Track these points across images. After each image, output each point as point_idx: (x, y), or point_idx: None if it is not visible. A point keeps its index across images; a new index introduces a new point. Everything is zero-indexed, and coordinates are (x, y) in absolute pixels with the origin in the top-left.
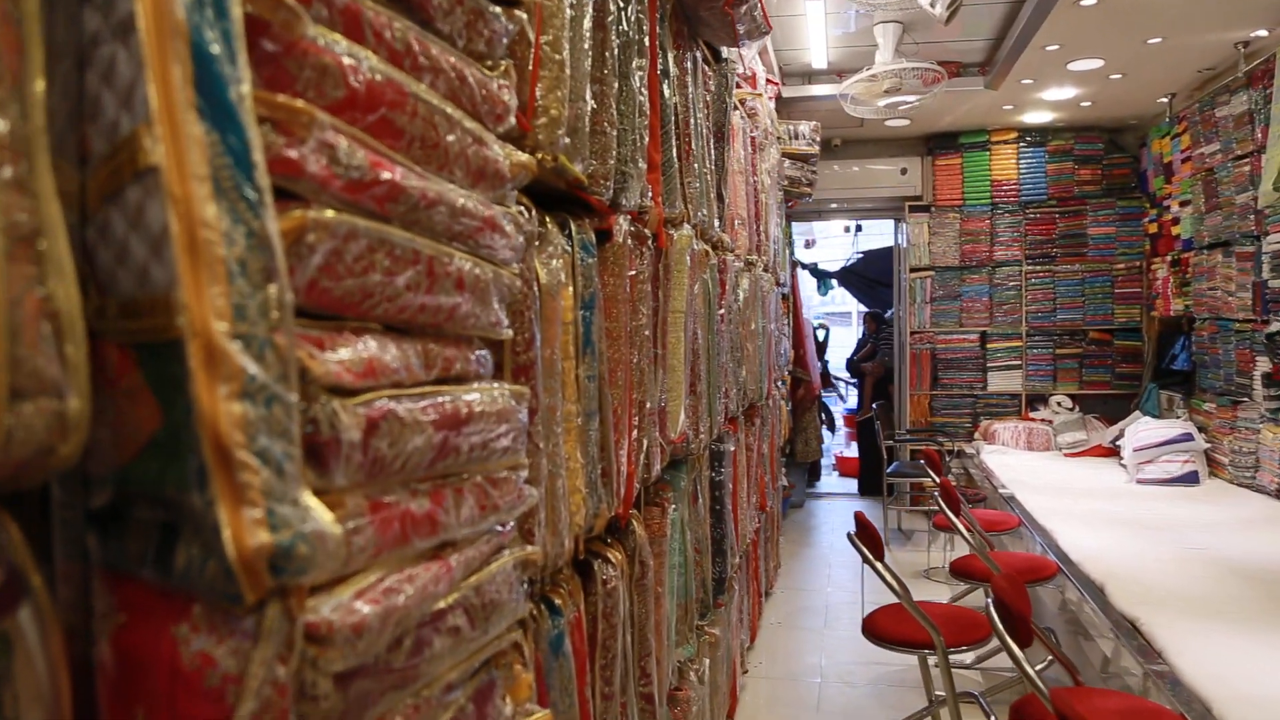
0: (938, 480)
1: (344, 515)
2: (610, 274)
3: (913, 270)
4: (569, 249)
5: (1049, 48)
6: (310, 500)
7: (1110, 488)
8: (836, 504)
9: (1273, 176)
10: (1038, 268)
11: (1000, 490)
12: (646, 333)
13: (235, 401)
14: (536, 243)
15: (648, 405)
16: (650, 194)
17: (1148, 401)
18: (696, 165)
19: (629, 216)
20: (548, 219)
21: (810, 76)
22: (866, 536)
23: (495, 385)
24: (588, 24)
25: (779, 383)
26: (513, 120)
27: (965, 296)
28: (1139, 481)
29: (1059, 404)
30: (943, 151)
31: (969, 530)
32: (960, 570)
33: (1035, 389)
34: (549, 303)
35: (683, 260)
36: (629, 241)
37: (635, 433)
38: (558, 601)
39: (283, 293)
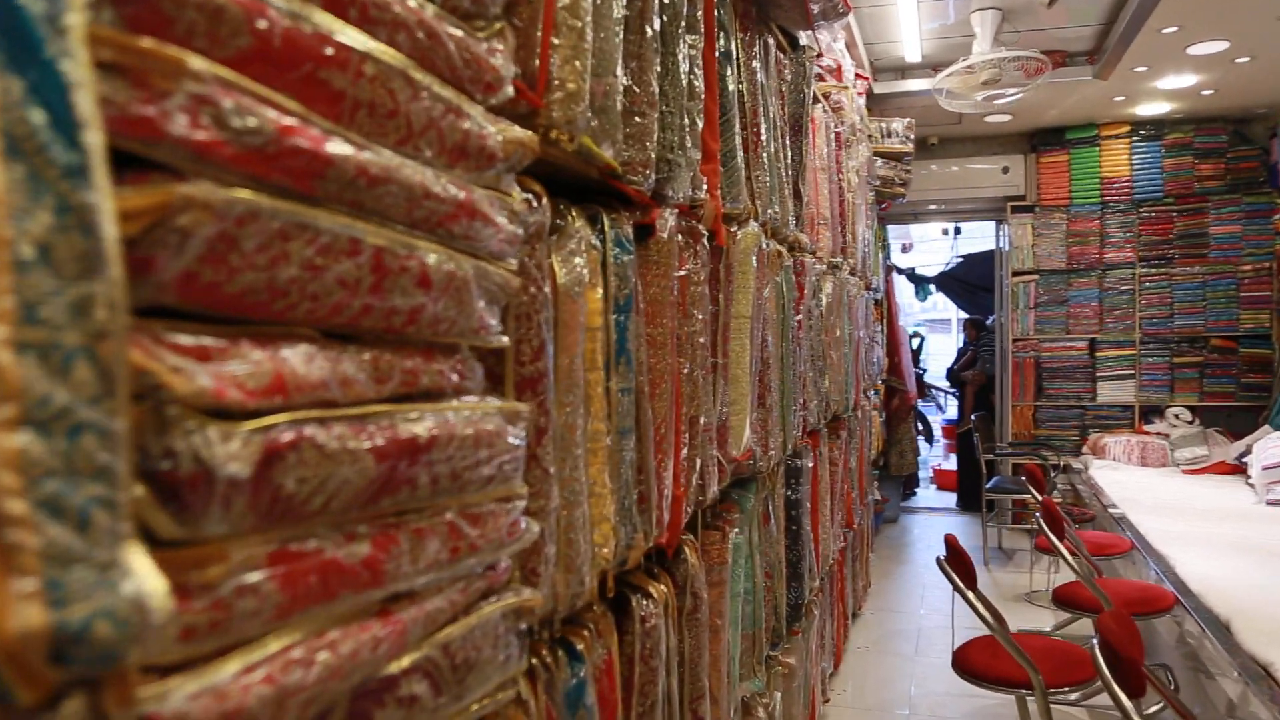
0: (1039, 498)
1: (223, 572)
2: (654, 274)
3: (1015, 274)
4: (598, 244)
5: (1166, 30)
6: (136, 561)
7: (1235, 509)
8: (933, 519)
9: None
10: (1153, 270)
11: (1110, 510)
12: (702, 340)
13: (9, 434)
14: (553, 236)
15: (702, 420)
16: (705, 186)
17: (1278, 414)
18: (766, 158)
19: (677, 210)
20: (572, 210)
21: (904, 71)
22: (957, 562)
23: (479, 402)
24: None
25: (870, 392)
26: (509, 90)
27: (1072, 302)
28: (1269, 503)
29: (1177, 416)
30: (1048, 148)
31: (1073, 554)
32: (1064, 599)
33: (1150, 400)
34: (568, 305)
35: (747, 260)
36: (677, 238)
37: (686, 451)
38: (579, 646)
39: (114, 288)
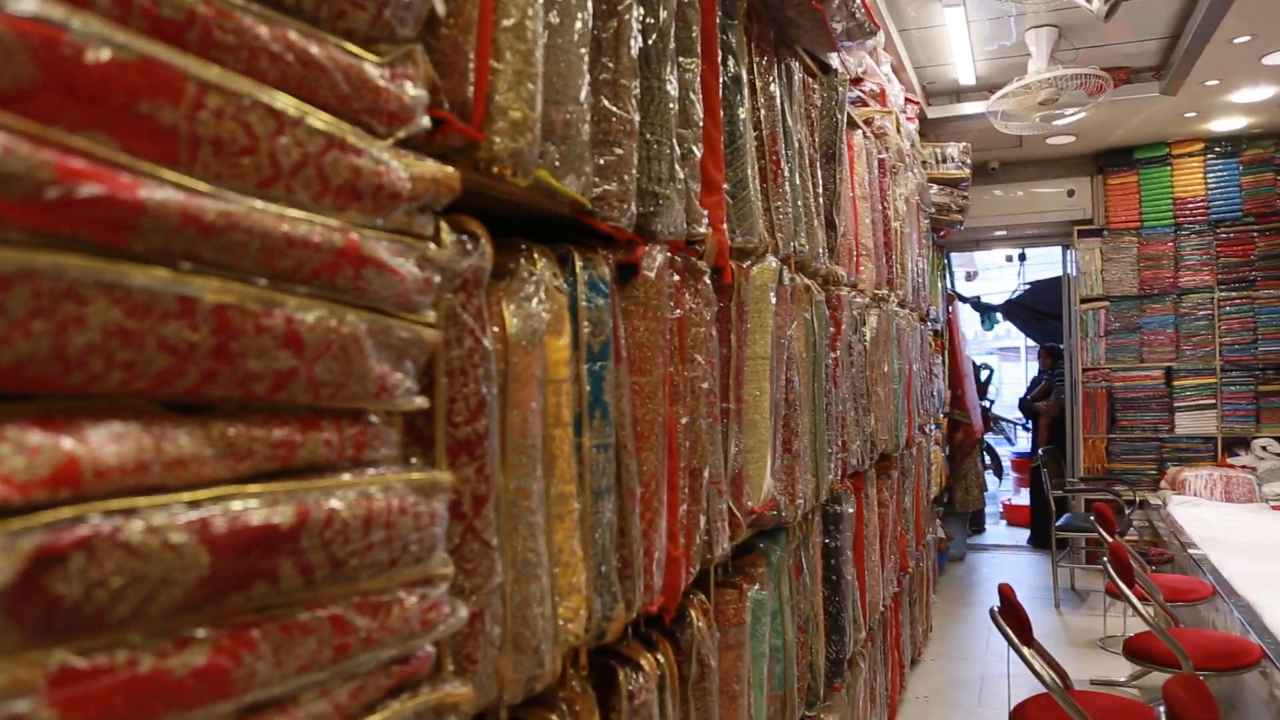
0: (1109, 539)
1: None
2: (642, 317)
3: (1084, 301)
4: (565, 287)
5: (1238, 40)
6: None
7: None
8: (1001, 557)
9: None
10: (1233, 294)
11: (1190, 550)
12: (706, 385)
13: None
14: (505, 279)
15: (707, 473)
16: (707, 219)
17: None
18: (789, 189)
19: (668, 247)
20: (534, 250)
21: (959, 95)
22: (1012, 615)
23: (380, 475)
24: (584, 8)
25: (930, 427)
26: (423, 122)
27: (1146, 329)
28: None
29: (1264, 448)
30: (1115, 169)
31: (1144, 601)
32: (1137, 651)
33: (1234, 431)
34: (521, 356)
35: (764, 297)
36: (670, 276)
37: (686, 507)
38: None
39: None
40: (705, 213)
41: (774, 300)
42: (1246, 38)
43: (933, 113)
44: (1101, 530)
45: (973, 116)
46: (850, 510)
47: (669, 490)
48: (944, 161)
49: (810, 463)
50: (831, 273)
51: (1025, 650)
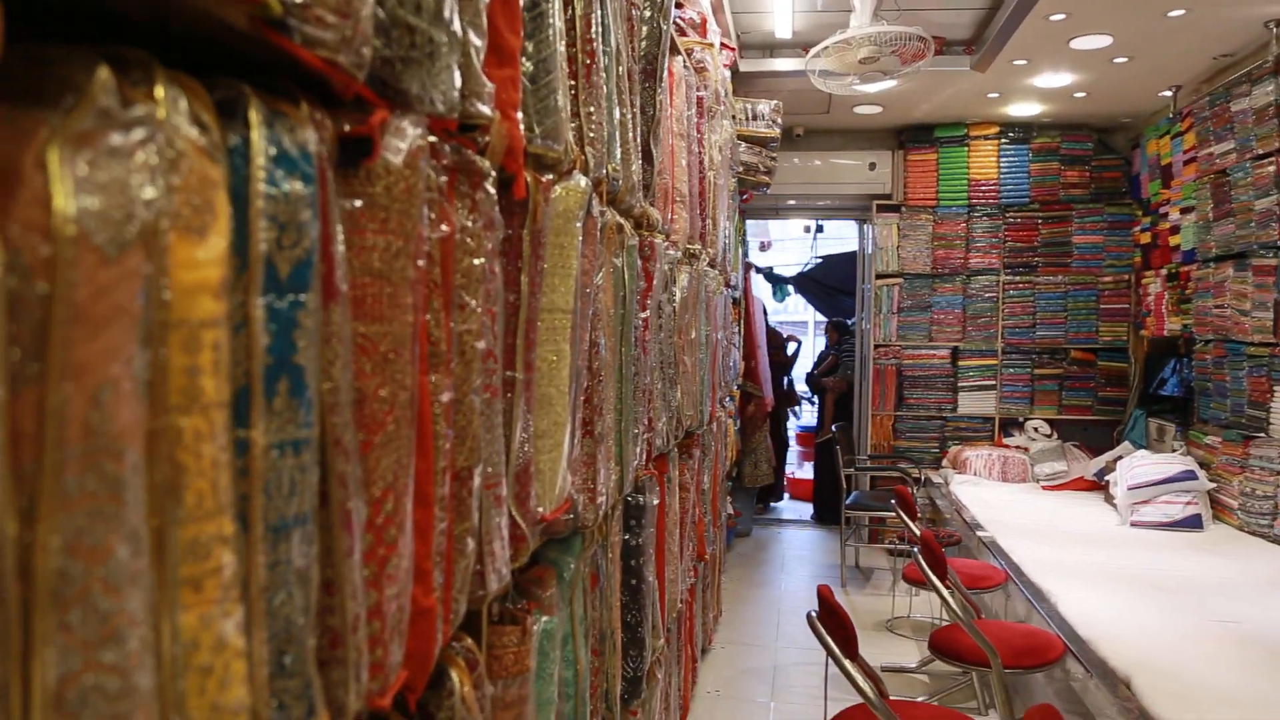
0: (915, 530)
1: None
2: (380, 229)
3: (879, 276)
4: (223, 154)
5: (1054, 17)
6: None
7: (1103, 532)
8: (788, 533)
9: None
10: (1017, 278)
11: (979, 533)
12: (481, 344)
13: None
14: (59, 113)
15: (477, 477)
16: (491, 98)
17: (1133, 430)
18: (605, 96)
19: (426, 121)
20: (149, 72)
21: (772, 50)
22: (833, 622)
23: None
24: None
25: (726, 400)
26: None
27: (936, 308)
28: (1133, 524)
29: (1036, 430)
30: (916, 145)
31: (951, 593)
32: (944, 647)
33: (1010, 412)
34: (91, 270)
35: (568, 229)
36: (428, 170)
37: (447, 526)
38: None
39: None
40: (491, 87)
41: (580, 236)
42: (1062, 15)
43: (745, 65)
44: (902, 514)
45: (786, 74)
46: (654, 501)
47: (418, 507)
48: (754, 119)
49: (614, 447)
50: (646, 214)
51: (848, 664)
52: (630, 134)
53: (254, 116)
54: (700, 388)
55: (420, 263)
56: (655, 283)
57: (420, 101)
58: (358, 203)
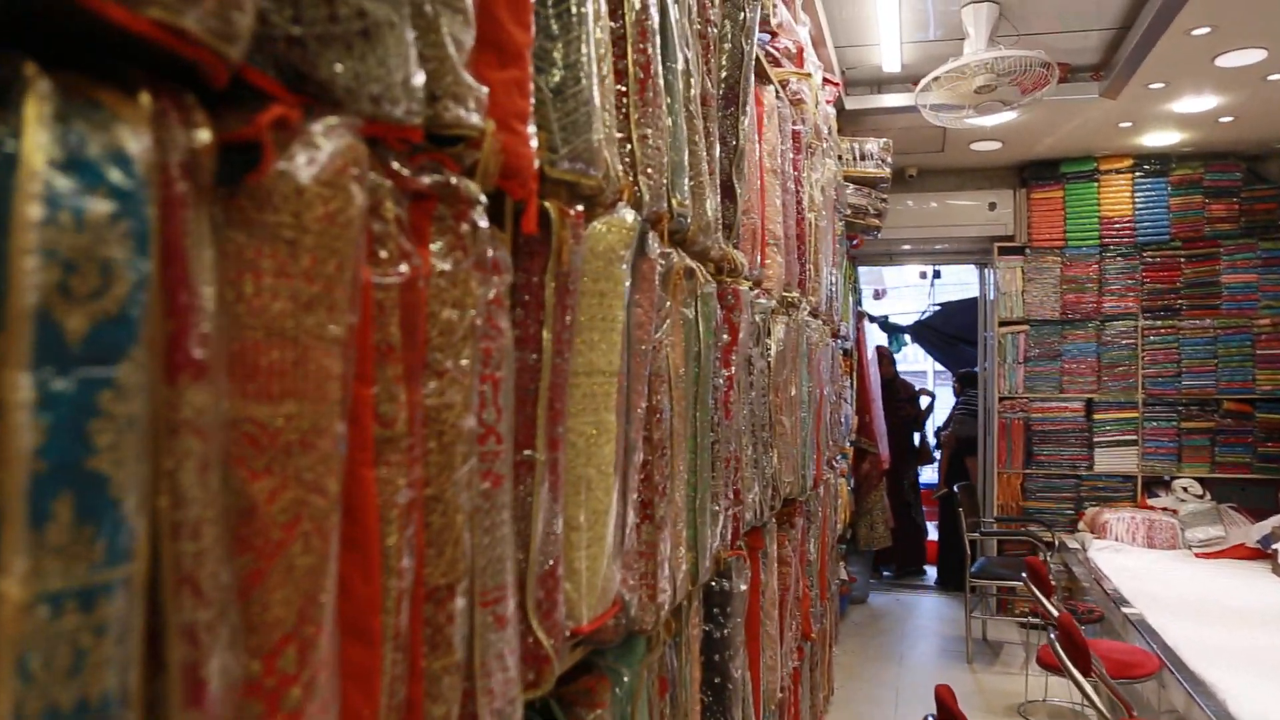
0: (1052, 610)
1: None
2: (277, 268)
3: (1002, 324)
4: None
5: (1196, 32)
6: None
7: (1272, 608)
8: (908, 599)
9: None
10: (1158, 323)
11: (1126, 610)
12: (467, 422)
13: None
14: None
15: (461, 591)
16: (482, 105)
17: None
18: (666, 117)
19: (360, 125)
20: None
21: (880, 86)
22: None
23: None
24: None
25: (839, 459)
26: None
27: (1067, 356)
28: None
29: (1185, 489)
30: (1040, 182)
31: (1096, 687)
32: None
33: (1154, 470)
34: None
35: (610, 273)
36: (362, 192)
37: (403, 669)
38: None
39: None
40: (482, 91)
41: (628, 280)
42: (1206, 29)
43: (851, 103)
44: (1035, 590)
45: (895, 110)
46: (743, 587)
47: (356, 646)
48: (862, 159)
49: (686, 530)
50: (728, 258)
51: None
52: (704, 165)
53: (33, 106)
54: (802, 450)
55: (352, 318)
56: (742, 335)
57: (353, 98)
58: (245, 236)
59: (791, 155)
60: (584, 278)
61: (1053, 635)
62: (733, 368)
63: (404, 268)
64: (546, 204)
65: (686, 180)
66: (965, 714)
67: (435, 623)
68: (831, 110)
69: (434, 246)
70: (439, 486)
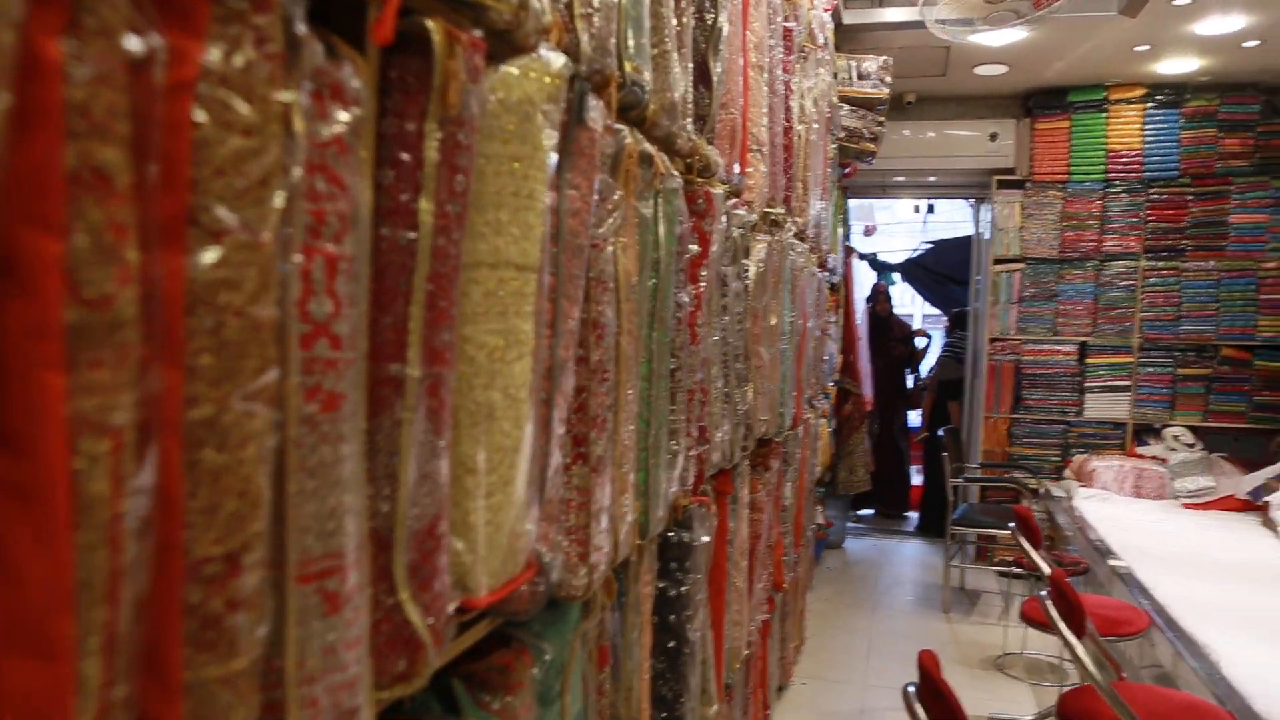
0: (1044, 566)
1: None
2: None
3: (998, 261)
4: None
5: None
6: None
7: (1266, 564)
8: (887, 545)
9: None
10: (1159, 264)
11: (1113, 563)
12: (265, 311)
13: None
14: None
15: (249, 562)
16: None
17: None
18: None
19: None
20: None
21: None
22: (938, 704)
23: None
24: None
25: (820, 398)
26: None
27: (1063, 297)
28: None
29: (1176, 438)
30: (1046, 112)
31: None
32: (1074, 717)
33: (1145, 417)
34: None
35: (529, 133)
36: None
37: (125, 690)
38: None
39: None
40: None
41: (553, 149)
42: None
43: (849, 17)
44: (1024, 541)
45: (897, 25)
46: (705, 538)
47: (27, 660)
48: (860, 78)
49: (635, 474)
50: (700, 154)
51: None
52: (672, 33)
53: None
54: (781, 385)
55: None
56: (714, 248)
57: None
58: None
59: (781, 54)
60: (490, 139)
61: (1045, 593)
62: (702, 284)
63: (133, 46)
64: (427, 22)
65: (647, 43)
66: (943, 667)
67: (205, 613)
68: (827, 17)
69: (213, 38)
70: (214, 405)
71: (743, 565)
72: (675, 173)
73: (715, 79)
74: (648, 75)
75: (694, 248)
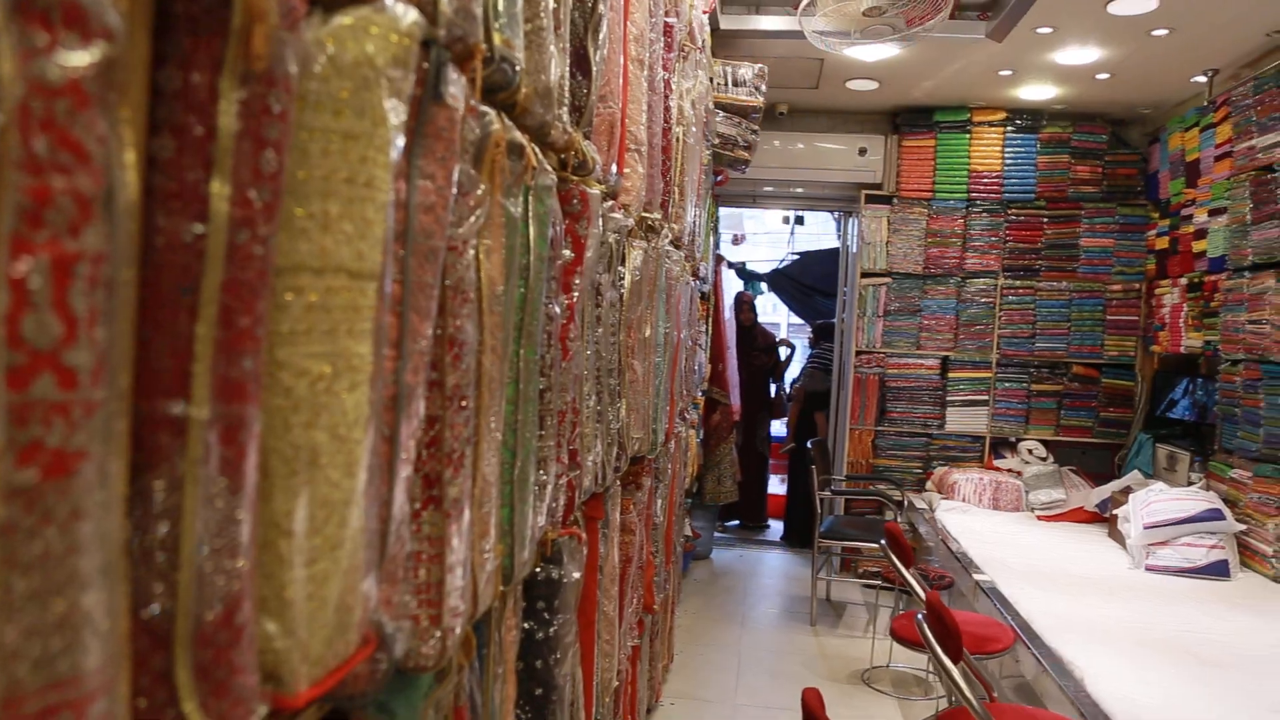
0: (918, 588)
1: None
2: None
3: (865, 275)
4: None
5: None
6: None
7: (1116, 577)
8: (753, 555)
9: None
10: (1017, 283)
11: (978, 578)
12: None
13: None
14: None
15: None
16: None
17: (1137, 456)
18: None
19: None
20: None
21: (759, 5)
22: None
23: None
24: None
25: (690, 410)
26: None
27: (926, 312)
28: (1149, 569)
29: (1030, 451)
30: (913, 130)
31: (963, 672)
32: None
33: (1002, 431)
34: None
35: (366, 103)
36: None
37: None
38: None
39: None
40: None
41: (399, 128)
42: None
43: (726, 22)
44: (896, 560)
45: (774, 34)
46: (576, 574)
47: None
48: (735, 85)
49: (500, 511)
50: (576, 149)
51: None
52: (549, 9)
53: None
54: (655, 400)
55: None
56: (589, 254)
57: None
58: None
59: (662, 51)
60: (316, 109)
61: (921, 616)
62: (575, 294)
63: None
64: None
65: (520, 16)
66: (811, 683)
67: None
68: (705, 19)
69: None
70: None
71: (614, 592)
72: (549, 168)
73: (595, 67)
74: (520, 52)
75: (567, 253)
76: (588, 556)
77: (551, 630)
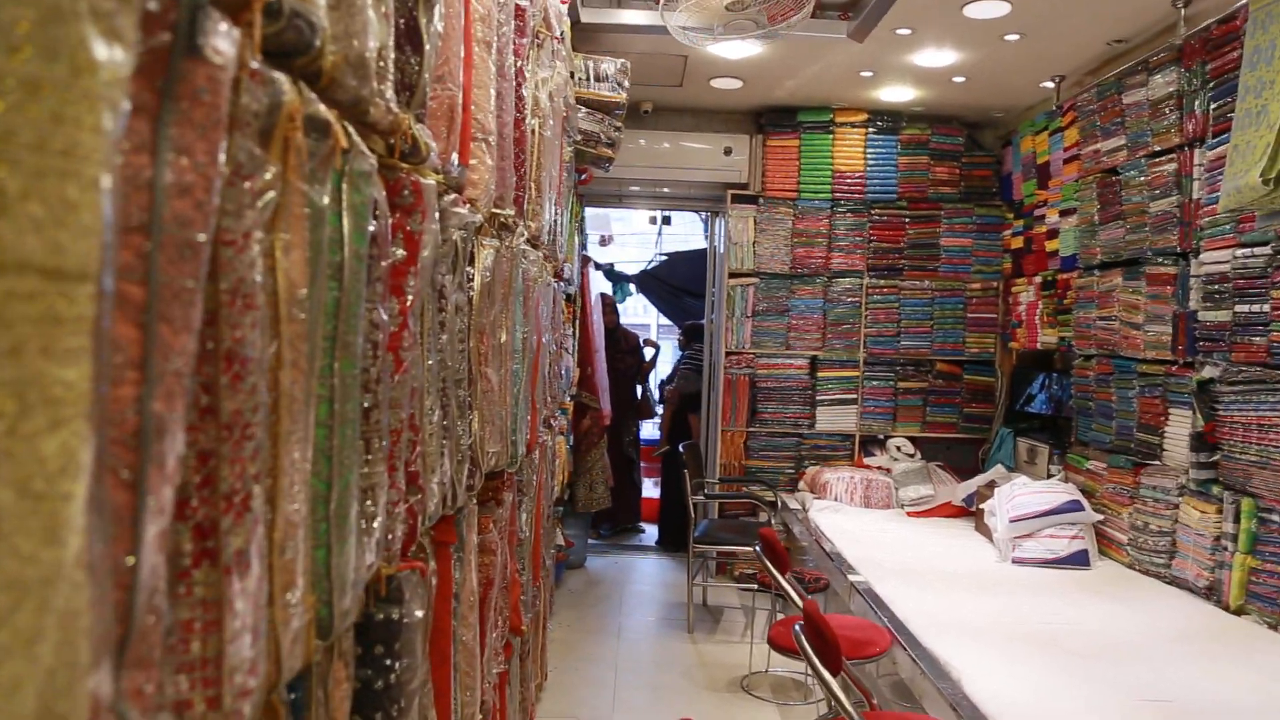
0: (795, 597)
1: None
2: None
3: (732, 275)
4: None
5: None
6: None
7: (984, 571)
8: (628, 561)
9: (1256, 165)
10: (881, 282)
11: (853, 579)
12: None
13: None
14: None
15: None
16: None
17: (999, 450)
18: None
19: None
20: None
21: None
22: None
23: None
24: None
25: (557, 415)
26: None
27: (795, 312)
28: (1015, 561)
29: (898, 448)
30: (777, 130)
31: (843, 683)
32: None
33: (871, 429)
34: None
35: (55, 38)
36: None
37: None
38: None
39: None
40: None
41: (117, 78)
42: None
43: (587, 15)
44: (771, 568)
45: (636, 29)
46: (420, 613)
47: None
48: (598, 80)
49: (313, 554)
50: (405, 132)
51: None
52: None
53: None
54: (514, 410)
55: None
56: (425, 252)
57: None
58: None
59: (513, 35)
60: None
61: (799, 627)
62: (409, 297)
63: None
64: None
65: None
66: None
67: None
68: (564, 10)
69: None
70: None
71: (472, 620)
72: (368, 151)
73: (428, 42)
74: (321, 8)
75: (398, 252)
76: (439, 586)
77: (393, 678)
